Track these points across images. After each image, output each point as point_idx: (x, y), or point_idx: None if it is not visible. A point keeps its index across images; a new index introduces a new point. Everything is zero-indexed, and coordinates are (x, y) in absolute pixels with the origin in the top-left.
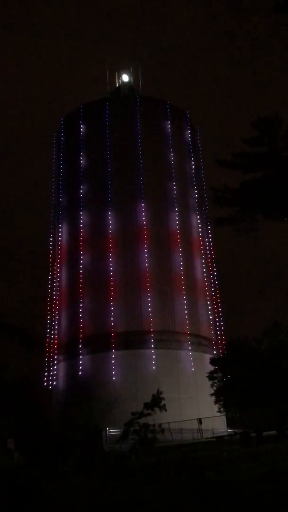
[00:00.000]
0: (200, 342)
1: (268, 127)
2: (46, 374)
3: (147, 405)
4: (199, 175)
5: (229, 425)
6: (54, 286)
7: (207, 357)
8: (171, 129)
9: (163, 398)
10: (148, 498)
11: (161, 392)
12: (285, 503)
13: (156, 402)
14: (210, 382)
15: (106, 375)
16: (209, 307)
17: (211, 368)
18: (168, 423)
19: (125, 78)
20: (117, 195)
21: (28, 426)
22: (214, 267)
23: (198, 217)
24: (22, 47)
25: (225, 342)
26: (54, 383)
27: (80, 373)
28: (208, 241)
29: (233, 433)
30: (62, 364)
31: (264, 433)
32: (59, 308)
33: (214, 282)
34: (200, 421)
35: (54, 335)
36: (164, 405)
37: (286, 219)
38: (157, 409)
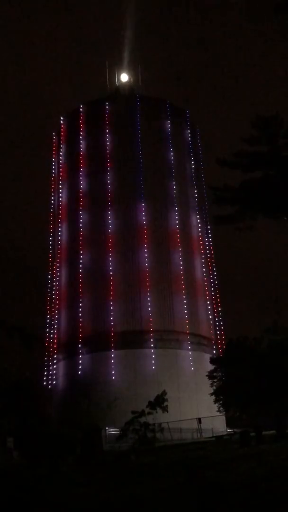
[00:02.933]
0: (199, 341)
1: (268, 126)
2: (45, 373)
3: (151, 404)
4: (199, 174)
5: (228, 424)
6: (54, 285)
7: (207, 356)
8: (171, 128)
9: (166, 400)
10: (147, 498)
11: (166, 393)
12: (284, 503)
13: (160, 402)
14: (210, 382)
15: (105, 374)
16: (209, 307)
17: (210, 367)
18: (167, 422)
19: (125, 77)
20: (117, 194)
21: (27, 425)
22: (214, 266)
23: (198, 216)
24: (21, 47)
25: (224, 342)
26: (54, 382)
27: (79, 372)
28: (208, 241)
29: (233, 432)
30: (61, 363)
31: (264, 433)
32: (58, 307)
33: (214, 281)
34: (199, 420)
35: (53, 334)
36: (167, 406)
37: (286, 218)
38: (158, 409)
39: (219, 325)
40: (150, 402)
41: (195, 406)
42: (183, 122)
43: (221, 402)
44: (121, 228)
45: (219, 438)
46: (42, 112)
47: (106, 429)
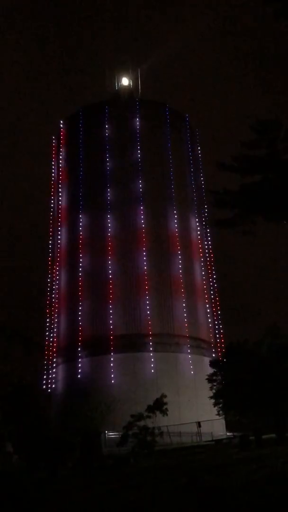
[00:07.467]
0: (199, 345)
1: (267, 130)
2: (45, 377)
3: (149, 408)
4: (198, 178)
5: (228, 428)
6: (53, 289)
7: (206, 360)
8: (171, 132)
9: (166, 403)
10: (147, 502)
11: (166, 396)
12: (284, 507)
13: (159, 405)
14: (209, 385)
15: (105, 378)
16: (208, 310)
17: (210, 371)
18: (167, 426)
19: (125, 81)
20: (116, 198)
21: (27, 429)
22: (213, 269)
23: (197, 220)
24: (21, 50)
25: (224, 345)
26: (53, 386)
27: (79, 376)
28: (207, 244)
29: (232, 436)
30: (61, 367)
31: (264, 436)
32: (58, 311)
33: (213, 285)
34: (199, 424)
35: (53, 338)
36: (166, 409)
37: (285, 222)
38: (157, 412)
39: (219, 328)
40: (149, 406)
41: (195, 410)
42: (183, 126)
43: (220, 405)
44: (121, 232)
45: (218, 441)
46: (42, 115)
47: (105, 433)
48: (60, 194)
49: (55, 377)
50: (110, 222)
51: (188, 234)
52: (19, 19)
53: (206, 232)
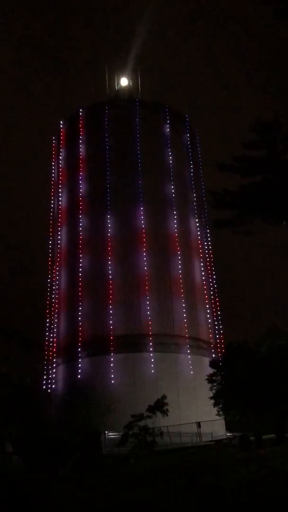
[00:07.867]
0: (199, 345)
1: (267, 131)
2: (45, 377)
3: (150, 408)
4: (198, 178)
5: (228, 428)
6: (53, 289)
7: (206, 360)
8: (170, 132)
9: (166, 404)
10: (146, 502)
11: (166, 397)
12: (284, 507)
13: (159, 406)
14: (209, 385)
15: (105, 378)
16: (208, 310)
17: (210, 371)
18: (167, 426)
19: (124, 81)
20: (116, 198)
21: (27, 429)
22: (213, 270)
23: (197, 220)
24: (21, 50)
25: (224, 345)
26: (53, 386)
27: (79, 376)
28: (207, 244)
29: (232, 436)
30: (61, 367)
31: (263, 437)
32: (58, 311)
33: (213, 285)
34: (199, 424)
35: (53, 338)
36: (167, 410)
37: (285, 222)
38: (157, 413)
39: (219, 329)
40: (150, 406)
41: (195, 410)
42: (182, 127)
43: (220, 406)
44: (120, 232)
45: (218, 442)
46: (42, 115)
47: (105, 433)
48: (60, 194)
49: (55, 377)
50: (110, 222)
51: (188, 234)
52: (19, 19)
53: (206, 232)
